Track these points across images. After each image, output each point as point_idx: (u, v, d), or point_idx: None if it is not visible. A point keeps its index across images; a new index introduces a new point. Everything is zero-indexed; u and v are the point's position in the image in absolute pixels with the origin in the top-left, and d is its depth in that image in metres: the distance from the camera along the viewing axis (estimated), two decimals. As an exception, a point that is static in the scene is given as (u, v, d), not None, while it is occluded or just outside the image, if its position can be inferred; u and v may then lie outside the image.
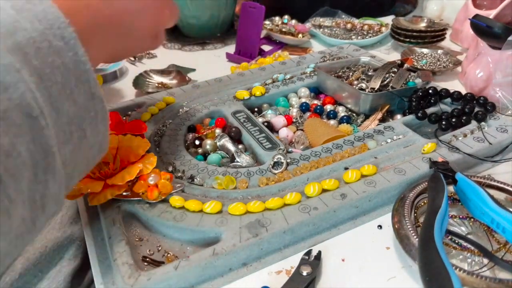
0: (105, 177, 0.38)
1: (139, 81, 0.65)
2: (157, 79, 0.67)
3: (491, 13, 0.60)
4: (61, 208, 0.26)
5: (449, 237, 0.34)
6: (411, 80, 0.55)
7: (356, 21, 0.86)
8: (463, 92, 0.51)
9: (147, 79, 0.66)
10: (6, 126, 0.20)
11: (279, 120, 0.52)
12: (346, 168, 0.41)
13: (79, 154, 0.26)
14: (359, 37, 0.81)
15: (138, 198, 0.38)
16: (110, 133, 0.41)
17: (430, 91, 0.51)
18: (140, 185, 0.37)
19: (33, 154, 0.21)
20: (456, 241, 0.34)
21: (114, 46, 0.34)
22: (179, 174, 0.41)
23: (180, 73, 0.68)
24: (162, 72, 0.69)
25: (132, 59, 0.78)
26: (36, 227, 0.23)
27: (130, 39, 0.35)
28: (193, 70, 0.73)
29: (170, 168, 0.42)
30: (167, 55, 0.81)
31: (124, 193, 0.37)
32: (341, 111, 0.54)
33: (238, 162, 0.44)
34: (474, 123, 0.47)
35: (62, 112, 0.24)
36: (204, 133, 0.49)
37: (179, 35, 0.89)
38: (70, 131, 0.25)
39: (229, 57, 0.77)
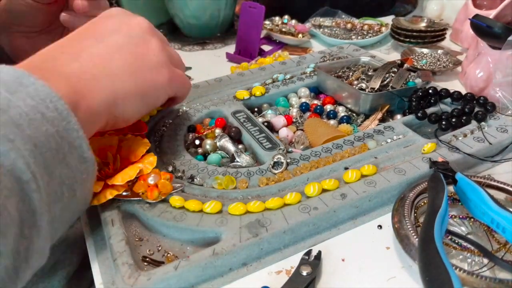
0: (105, 177, 0.37)
1: None
2: None
3: (491, 13, 0.60)
4: (45, 260, 0.28)
5: (449, 237, 0.34)
6: (411, 80, 0.55)
7: (356, 21, 0.86)
8: (463, 92, 0.51)
9: None
10: (7, 191, 0.23)
11: (279, 120, 0.52)
12: (346, 168, 0.41)
13: (68, 210, 0.29)
14: (359, 37, 0.81)
15: (138, 198, 0.38)
16: (110, 132, 0.41)
17: (430, 91, 0.51)
18: (140, 185, 0.37)
19: (21, 213, 0.24)
20: (456, 241, 0.34)
21: (108, 122, 0.35)
22: (179, 174, 0.41)
23: None
24: None
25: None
26: (19, 277, 0.25)
27: (125, 117, 0.36)
28: (189, 68, 0.73)
29: (170, 168, 0.42)
30: (167, 55, 0.81)
31: (124, 193, 0.37)
32: (341, 111, 0.54)
33: (238, 162, 0.44)
34: (474, 123, 0.47)
35: (55, 175, 0.26)
36: (204, 133, 0.49)
37: (179, 35, 0.89)
38: (62, 191, 0.27)
39: (229, 57, 0.77)
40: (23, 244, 0.24)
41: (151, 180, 0.37)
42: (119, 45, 0.35)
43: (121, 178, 0.37)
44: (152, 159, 0.39)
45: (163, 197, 0.37)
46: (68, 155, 0.27)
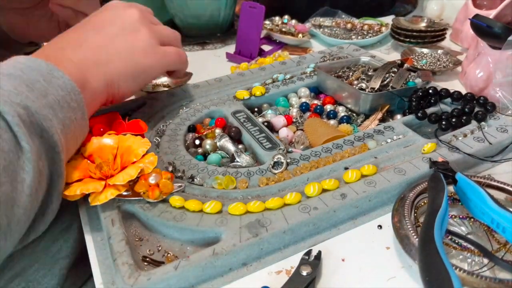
0: (106, 177, 0.38)
1: None
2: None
3: (491, 13, 0.60)
4: (55, 214, 0.34)
5: (449, 237, 0.34)
6: (411, 80, 0.55)
7: (356, 21, 0.86)
8: (463, 92, 0.51)
9: None
10: (44, 155, 0.31)
11: (279, 120, 0.52)
12: (346, 168, 0.41)
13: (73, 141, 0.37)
14: (359, 37, 0.81)
15: (139, 198, 0.38)
16: (110, 133, 0.42)
17: (430, 91, 0.51)
18: (141, 184, 0.37)
19: (53, 176, 0.33)
20: (456, 241, 0.34)
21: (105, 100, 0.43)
22: (179, 174, 0.41)
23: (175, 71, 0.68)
24: None
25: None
26: (42, 220, 0.33)
27: (121, 93, 0.44)
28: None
29: (170, 168, 0.42)
30: (167, 55, 0.81)
31: (125, 193, 0.37)
32: (341, 111, 0.54)
33: (238, 162, 0.44)
34: (474, 123, 0.47)
35: (70, 145, 0.36)
36: (204, 133, 0.49)
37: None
38: (71, 150, 0.38)
39: (229, 57, 0.77)
40: (49, 188, 0.32)
41: (152, 180, 0.37)
42: (113, 35, 0.42)
43: (122, 177, 0.37)
44: (153, 158, 0.39)
45: (164, 197, 0.38)
46: (79, 133, 0.37)
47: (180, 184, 0.39)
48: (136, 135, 0.42)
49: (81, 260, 0.50)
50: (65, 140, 0.34)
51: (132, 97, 0.62)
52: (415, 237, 0.33)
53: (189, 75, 0.67)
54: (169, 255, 0.35)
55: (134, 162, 0.39)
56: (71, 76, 0.35)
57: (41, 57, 0.34)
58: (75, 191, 0.36)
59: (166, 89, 0.62)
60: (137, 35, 0.44)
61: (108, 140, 0.41)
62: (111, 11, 0.44)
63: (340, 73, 0.59)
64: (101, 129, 0.43)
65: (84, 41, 0.41)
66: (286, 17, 0.86)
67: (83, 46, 0.40)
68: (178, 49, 0.50)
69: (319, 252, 0.34)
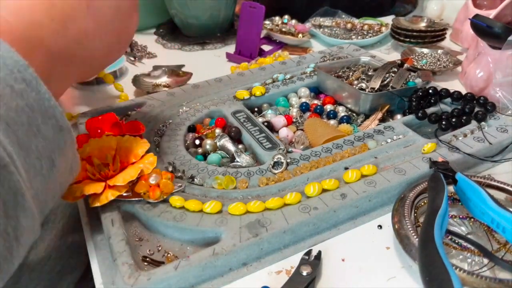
0: (105, 178, 0.38)
1: (136, 84, 0.65)
2: (149, 81, 0.66)
3: (491, 13, 0.60)
4: (38, 235, 0.28)
5: (449, 237, 0.34)
6: (411, 80, 0.55)
7: (356, 21, 0.86)
8: (463, 92, 0.51)
9: (142, 84, 0.66)
10: None
11: (279, 120, 0.52)
12: (346, 168, 0.41)
13: (50, 182, 0.28)
14: (359, 37, 0.81)
15: (139, 198, 0.38)
16: (107, 134, 0.41)
17: (430, 91, 0.51)
18: (141, 185, 0.37)
19: (3, 196, 0.23)
20: (456, 241, 0.34)
21: (79, 69, 0.35)
22: (179, 174, 0.41)
23: (172, 71, 0.68)
24: (150, 75, 0.68)
25: (132, 58, 0.77)
26: (13, 256, 0.25)
27: (95, 59, 0.36)
28: (183, 66, 0.73)
29: (170, 168, 0.42)
30: (167, 55, 0.81)
31: (125, 194, 0.37)
32: (341, 111, 0.54)
33: (238, 162, 0.44)
34: (474, 123, 0.47)
35: (31, 150, 0.25)
36: (204, 133, 0.49)
37: (179, 35, 0.89)
38: (41, 164, 0.26)
39: (229, 57, 0.77)
40: (10, 225, 0.24)
41: (152, 180, 0.38)
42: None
43: (122, 178, 0.37)
44: (152, 159, 0.39)
45: (164, 197, 0.38)
46: (42, 127, 0.26)
47: (180, 184, 0.39)
48: (134, 135, 0.42)
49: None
50: (16, 142, 0.24)
51: (132, 97, 0.62)
52: (415, 237, 0.33)
53: (188, 74, 0.67)
54: (169, 255, 0.35)
55: (133, 163, 0.39)
56: (11, 41, 0.26)
57: (7, 34, 0.26)
58: (74, 193, 0.36)
59: (166, 89, 0.62)
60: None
61: (106, 141, 0.40)
62: None
63: (340, 73, 0.59)
64: (99, 130, 0.43)
65: (71, 20, 0.31)
66: (286, 17, 0.86)
67: (68, 30, 0.31)
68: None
69: (319, 252, 0.34)
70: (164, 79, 0.66)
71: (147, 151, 0.40)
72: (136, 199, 0.38)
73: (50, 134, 0.27)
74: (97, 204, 0.36)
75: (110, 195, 0.36)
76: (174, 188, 0.38)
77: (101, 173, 0.38)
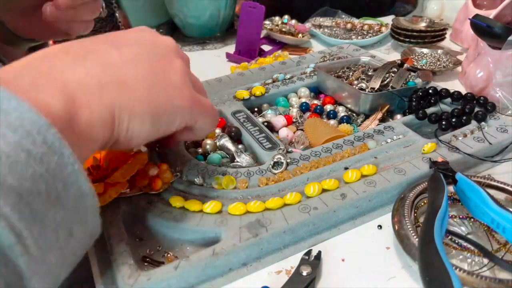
0: (102, 178, 0.37)
1: None
2: None
3: (491, 13, 0.60)
4: None
5: (449, 237, 0.34)
6: (411, 80, 0.55)
7: (356, 21, 0.86)
8: (463, 92, 0.51)
9: None
10: None
11: (279, 120, 0.52)
12: (346, 168, 0.41)
13: (66, 253, 0.24)
14: (359, 37, 0.81)
15: (141, 192, 0.38)
16: None
17: (430, 91, 0.51)
18: (141, 179, 0.38)
19: (6, 279, 0.20)
20: (456, 241, 0.34)
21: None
22: (178, 173, 0.41)
23: None
24: None
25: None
26: None
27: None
28: None
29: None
30: (167, 55, 0.81)
31: (128, 190, 0.37)
32: (341, 111, 0.54)
33: (238, 162, 0.44)
34: (474, 123, 0.47)
35: (47, 222, 0.22)
36: (204, 133, 0.49)
37: (179, 35, 0.89)
38: (57, 237, 0.23)
39: (229, 57, 0.77)
40: None
41: (152, 172, 0.38)
42: (137, 55, 0.30)
43: (122, 175, 0.37)
44: (144, 155, 0.39)
45: (165, 187, 0.38)
46: (62, 195, 0.22)
47: (176, 174, 0.40)
48: None
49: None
50: (30, 215, 0.20)
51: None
52: (415, 237, 0.33)
53: None
54: (169, 255, 0.35)
55: (125, 161, 0.39)
56: (53, 104, 0.23)
57: (12, 76, 0.24)
58: None
59: None
60: (171, 64, 0.32)
61: None
62: (140, 32, 0.33)
63: (340, 73, 0.59)
64: None
65: (92, 53, 0.28)
66: (286, 17, 0.86)
67: (88, 59, 0.28)
68: (212, 105, 0.37)
69: (319, 252, 0.34)
70: None
71: (148, 151, 0.40)
72: (138, 193, 0.38)
73: (70, 203, 0.23)
74: (101, 204, 0.36)
75: (113, 193, 0.36)
76: (173, 177, 0.39)
77: (95, 174, 0.37)
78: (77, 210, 0.24)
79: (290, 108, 0.56)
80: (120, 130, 0.28)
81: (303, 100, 0.57)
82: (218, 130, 0.49)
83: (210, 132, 0.41)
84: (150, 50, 0.31)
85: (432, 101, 0.51)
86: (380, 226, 0.38)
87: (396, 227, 0.35)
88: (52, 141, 0.22)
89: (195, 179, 0.40)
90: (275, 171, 0.41)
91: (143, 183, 0.38)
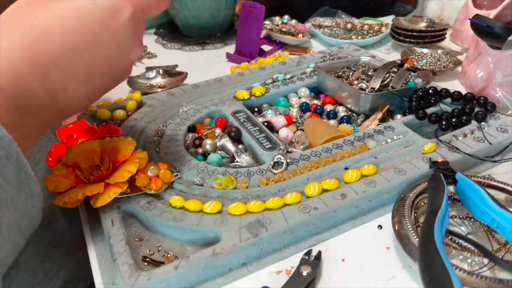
0: (102, 179, 0.38)
1: (132, 85, 0.65)
2: (144, 82, 0.66)
3: (491, 13, 0.60)
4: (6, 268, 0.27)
5: (449, 237, 0.34)
6: (411, 80, 0.55)
7: (356, 21, 0.86)
8: (463, 92, 0.51)
9: (137, 85, 0.66)
10: None
11: (279, 120, 0.52)
12: (346, 168, 0.41)
13: (15, 245, 0.27)
14: (359, 37, 0.81)
15: (141, 193, 0.38)
16: (81, 141, 0.41)
17: (430, 91, 0.51)
18: (141, 179, 0.38)
19: None
20: (456, 241, 0.34)
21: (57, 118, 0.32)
22: (177, 173, 0.41)
23: (166, 71, 0.68)
24: (144, 76, 0.68)
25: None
26: None
27: (78, 108, 0.33)
28: (176, 66, 0.73)
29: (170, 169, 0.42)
30: (167, 55, 0.81)
31: (128, 190, 0.38)
32: (341, 111, 0.54)
33: (238, 162, 0.44)
34: (474, 123, 0.47)
35: (2, 222, 0.24)
36: (204, 133, 0.49)
37: (179, 35, 0.89)
38: (9, 233, 0.25)
39: (229, 57, 0.77)
40: None
41: (150, 172, 0.38)
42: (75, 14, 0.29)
43: (121, 175, 0.37)
44: (143, 155, 0.39)
45: (166, 187, 0.38)
46: (15, 198, 0.25)
47: (176, 173, 0.40)
48: (112, 137, 0.42)
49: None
50: None
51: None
52: (415, 237, 0.33)
53: (183, 74, 0.67)
54: (169, 255, 0.35)
55: (124, 161, 0.39)
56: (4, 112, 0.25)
57: None
58: (76, 197, 0.36)
59: (160, 90, 0.62)
60: (115, 15, 0.30)
61: (89, 145, 0.40)
62: None
63: (340, 73, 0.59)
64: (74, 136, 0.42)
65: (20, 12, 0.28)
66: (286, 17, 0.86)
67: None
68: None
69: (319, 252, 0.34)
70: (159, 80, 0.66)
71: (147, 152, 0.40)
72: (138, 193, 0.38)
73: (22, 204, 0.26)
74: (101, 204, 0.36)
75: (112, 193, 0.36)
76: (172, 176, 0.39)
77: (95, 175, 0.38)
78: (27, 208, 0.26)
79: (290, 108, 0.56)
80: (57, 94, 0.29)
81: (303, 100, 0.57)
82: (218, 130, 0.49)
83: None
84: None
85: (432, 101, 0.51)
86: (380, 226, 0.38)
87: (396, 227, 0.35)
88: (11, 154, 0.24)
89: (195, 179, 0.40)
90: (275, 171, 0.41)
91: (143, 183, 0.38)
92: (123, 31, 0.31)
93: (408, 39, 0.74)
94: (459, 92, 0.51)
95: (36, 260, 0.45)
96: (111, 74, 0.32)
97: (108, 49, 0.30)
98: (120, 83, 0.34)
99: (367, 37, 0.81)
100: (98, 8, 0.30)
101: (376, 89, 0.52)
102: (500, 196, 0.38)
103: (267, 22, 0.84)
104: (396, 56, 0.74)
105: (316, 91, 0.60)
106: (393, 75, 0.55)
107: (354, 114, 0.54)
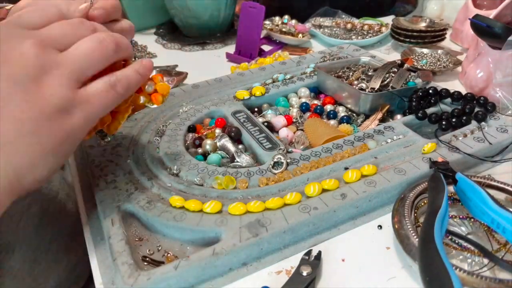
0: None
1: None
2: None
3: (491, 13, 0.60)
4: None
5: (449, 237, 0.34)
6: (411, 80, 0.55)
7: (356, 21, 0.86)
8: (463, 92, 0.51)
9: None
10: None
11: (279, 120, 0.52)
12: (346, 168, 0.41)
13: None
14: (359, 37, 0.81)
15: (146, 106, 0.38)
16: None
17: (430, 91, 0.51)
18: (141, 96, 0.37)
19: None
20: (456, 241, 0.34)
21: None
22: (174, 172, 0.41)
23: (166, 71, 0.68)
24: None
25: (132, 59, 0.77)
26: None
27: None
28: (176, 66, 0.73)
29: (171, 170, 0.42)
30: (167, 55, 0.81)
31: (131, 111, 0.37)
32: (341, 111, 0.54)
33: (238, 162, 0.44)
34: (474, 123, 0.47)
35: None
36: (204, 133, 0.49)
37: (179, 35, 0.89)
38: None
39: (229, 57, 0.77)
40: None
41: (148, 87, 0.37)
42: (4, 94, 0.26)
43: (124, 101, 0.36)
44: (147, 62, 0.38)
45: (166, 98, 0.38)
46: None
47: (171, 81, 0.40)
48: None
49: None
50: None
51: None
52: (415, 237, 0.33)
53: (183, 74, 0.67)
54: (169, 255, 0.35)
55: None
56: None
57: None
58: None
59: None
60: (42, 85, 0.28)
61: None
62: None
63: (340, 73, 0.59)
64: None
65: None
66: (286, 17, 0.86)
67: None
68: (104, 83, 0.31)
69: (319, 252, 0.34)
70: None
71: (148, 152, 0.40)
72: (145, 106, 0.38)
73: None
74: (114, 131, 0.36)
75: (121, 118, 0.36)
76: (170, 86, 0.38)
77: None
78: None
79: (290, 108, 0.56)
80: (27, 184, 0.27)
81: (303, 100, 0.57)
82: (218, 130, 0.49)
83: (142, 80, 0.36)
84: (14, 79, 0.27)
85: (432, 101, 0.51)
86: (380, 226, 0.38)
87: (396, 227, 0.35)
88: None
89: (195, 179, 0.40)
90: (275, 171, 0.41)
91: (144, 100, 0.37)
92: (59, 90, 0.28)
93: (408, 39, 0.74)
94: (459, 92, 0.51)
95: (25, 267, 0.45)
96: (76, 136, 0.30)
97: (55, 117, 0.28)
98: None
99: (367, 37, 0.81)
100: (23, 86, 0.27)
101: (376, 89, 0.52)
102: (500, 196, 0.38)
103: (267, 22, 0.84)
104: (396, 56, 0.74)
105: (316, 91, 0.60)
106: (393, 75, 0.55)
107: (354, 114, 0.54)
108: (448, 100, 0.52)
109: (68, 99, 0.28)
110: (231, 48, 0.79)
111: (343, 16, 0.89)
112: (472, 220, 0.36)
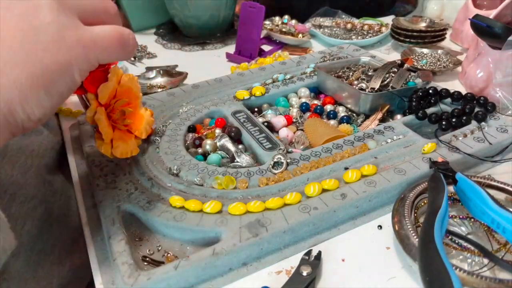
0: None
1: None
2: (144, 82, 0.66)
3: (491, 13, 0.60)
4: None
5: (449, 237, 0.34)
6: (411, 80, 0.55)
7: (356, 21, 0.86)
8: (463, 92, 0.51)
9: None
10: None
11: (279, 120, 0.52)
12: (346, 168, 0.41)
13: None
14: (359, 37, 0.81)
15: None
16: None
17: (430, 91, 0.51)
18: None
19: None
20: (456, 241, 0.34)
21: None
22: (174, 172, 0.41)
23: (166, 71, 0.68)
24: (144, 76, 0.68)
25: (132, 58, 0.77)
26: None
27: None
28: (176, 66, 0.73)
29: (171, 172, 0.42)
30: (167, 55, 0.81)
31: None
32: (341, 111, 0.54)
33: (238, 162, 0.44)
34: (474, 123, 0.47)
35: None
36: (204, 133, 0.49)
37: (179, 35, 0.89)
38: None
39: (229, 57, 0.77)
40: None
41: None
42: None
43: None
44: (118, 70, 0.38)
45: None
46: None
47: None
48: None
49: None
50: None
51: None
52: (415, 237, 0.33)
53: (183, 74, 0.67)
54: (169, 255, 0.35)
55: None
56: None
57: None
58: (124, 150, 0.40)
59: (160, 90, 0.62)
60: (38, 11, 0.26)
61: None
62: None
63: (340, 73, 0.59)
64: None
65: None
66: (286, 17, 0.86)
67: None
68: (116, 28, 0.30)
69: (319, 252, 0.34)
70: (159, 80, 0.66)
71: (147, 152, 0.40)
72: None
73: None
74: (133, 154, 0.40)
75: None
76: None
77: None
78: None
79: (290, 108, 0.56)
80: (20, 121, 0.26)
81: (303, 100, 0.57)
82: (218, 130, 0.49)
83: (129, 57, 0.33)
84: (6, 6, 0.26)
85: (432, 101, 0.51)
86: (380, 226, 0.38)
87: (396, 227, 0.35)
88: None
89: (195, 179, 0.40)
90: (275, 171, 0.41)
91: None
92: (51, 16, 0.27)
93: (408, 39, 0.74)
94: (459, 92, 0.51)
95: (29, 270, 0.44)
96: (67, 74, 0.28)
97: (48, 47, 0.26)
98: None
99: (367, 37, 0.81)
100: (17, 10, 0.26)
101: (376, 89, 0.52)
102: (500, 196, 0.38)
103: (267, 22, 0.84)
104: (396, 56, 0.74)
105: (316, 91, 0.60)
106: (393, 75, 0.55)
107: (354, 114, 0.54)
108: (448, 100, 0.52)
109: (66, 26, 0.27)
110: (231, 48, 0.79)
111: (343, 16, 0.89)
112: (472, 220, 0.36)
